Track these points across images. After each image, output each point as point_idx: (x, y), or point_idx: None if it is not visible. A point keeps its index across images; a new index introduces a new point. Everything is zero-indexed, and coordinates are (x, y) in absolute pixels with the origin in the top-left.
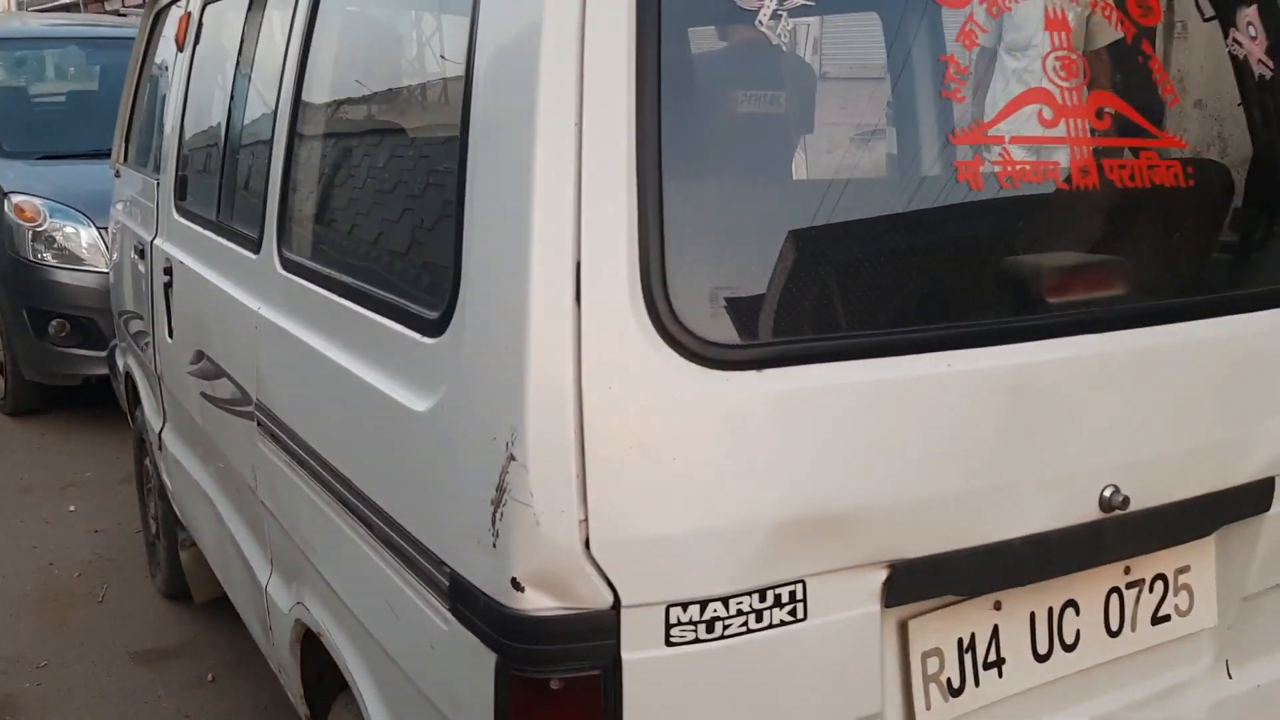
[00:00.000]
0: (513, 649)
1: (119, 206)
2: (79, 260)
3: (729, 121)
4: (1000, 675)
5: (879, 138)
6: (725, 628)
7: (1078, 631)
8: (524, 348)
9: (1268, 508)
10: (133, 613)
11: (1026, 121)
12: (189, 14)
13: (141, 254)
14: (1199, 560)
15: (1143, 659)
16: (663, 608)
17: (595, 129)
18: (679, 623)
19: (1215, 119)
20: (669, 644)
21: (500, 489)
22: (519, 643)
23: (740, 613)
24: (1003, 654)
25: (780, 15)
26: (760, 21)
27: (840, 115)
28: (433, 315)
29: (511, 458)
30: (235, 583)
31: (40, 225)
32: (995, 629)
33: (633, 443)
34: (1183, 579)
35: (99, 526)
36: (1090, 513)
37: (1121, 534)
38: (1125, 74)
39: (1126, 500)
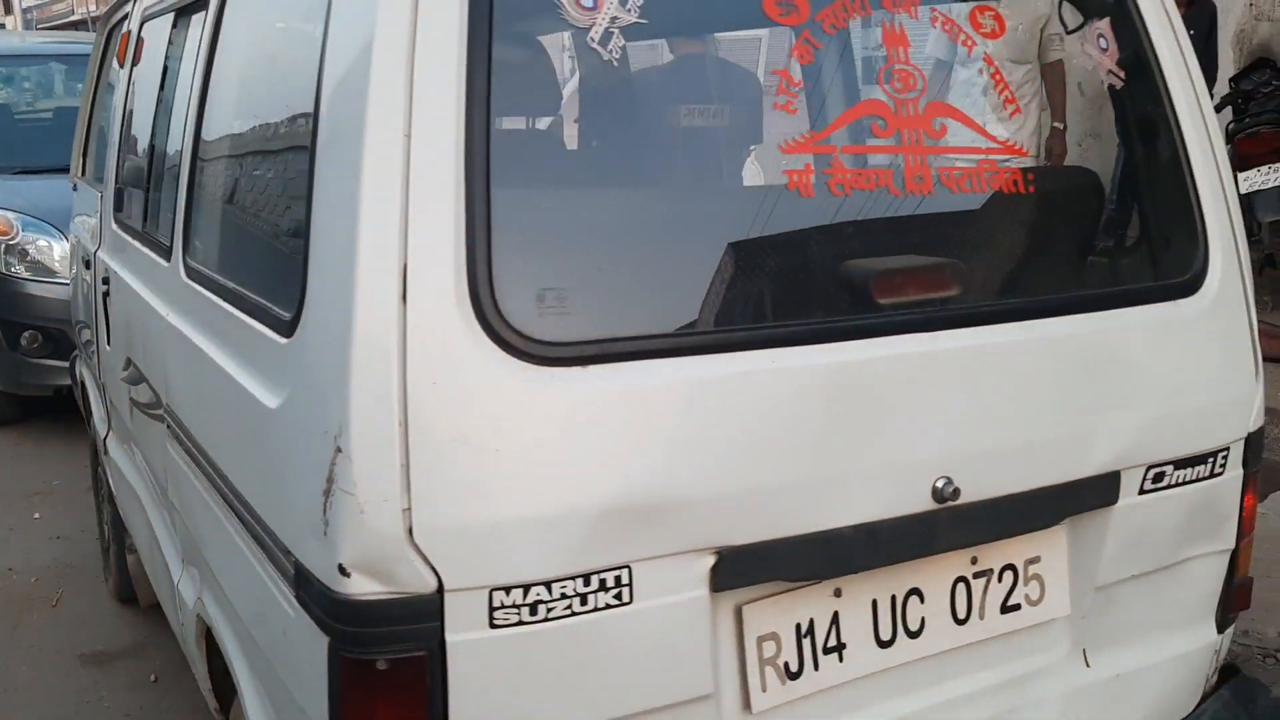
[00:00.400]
0: (342, 632)
1: (76, 220)
2: (51, 273)
3: (558, 133)
4: (841, 660)
5: (710, 146)
6: (549, 610)
7: (923, 619)
8: (349, 344)
9: (1114, 501)
10: (85, 617)
11: (860, 132)
12: (129, 31)
13: (88, 265)
14: (1050, 551)
15: (995, 646)
16: (486, 591)
17: (423, 139)
18: (502, 605)
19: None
20: (493, 626)
21: (330, 480)
22: (347, 626)
23: (564, 596)
24: (843, 639)
25: (611, 34)
26: (592, 39)
27: (671, 126)
28: (287, 316)
29: (338, 450)
30: (159, 583)
31: (13, 238)
32: (835, 615)
33: (456, 435)
34: (1033, 569)
35: (62, 533)
36: (923, 503)
37: (955, 524)
38: (968, 85)
39: (957, 491)
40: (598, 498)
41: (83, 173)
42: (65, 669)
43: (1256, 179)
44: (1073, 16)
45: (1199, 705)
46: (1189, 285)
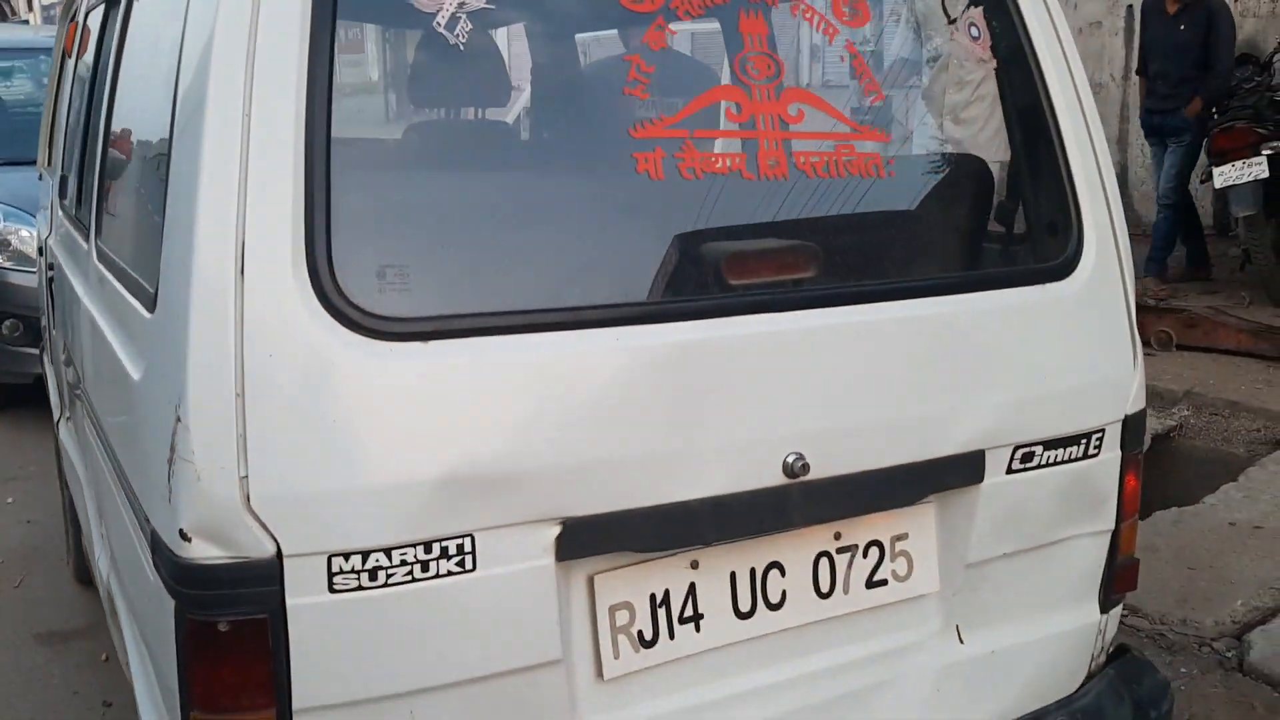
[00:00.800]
0: (185, 595)
1: (42, 210)
2: (32, 262)
3: (401, 116)
4: (698, 630)
5: (557, 130)
6: (389, 576)
7: (784, 592)
8: (188, 318)
9: (980, 480)
10: (45, 597)
11: (713, 117)
12: (77, 22)
13: (41, 251)
14: (917, 528)
15: (862, 620)
16: (324, 557)
17: (263, 122)
18: (341, 571)
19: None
20: (333, 590)
21: (172, 448)
22: (190, 589)
23: (404, 563)
24: (701, 610)
25: (459, 19)
26: (438, 23)
27: (520, 109)
28: (151, 292)
29: (178, 419)
30: (92, 562)
31: None
32: (692, 586)
33: (293, 406)
34: (900, 546)
35: (32, 518)
36: (774, 479)
37: (808, 499)
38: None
39: (807, 467)
40: (436, 468)
41: (49, 163)
42: (19, 647)
43: (1231, 174)
44: (955, 5)
45: (1084, 684)
46: (1060, 270)
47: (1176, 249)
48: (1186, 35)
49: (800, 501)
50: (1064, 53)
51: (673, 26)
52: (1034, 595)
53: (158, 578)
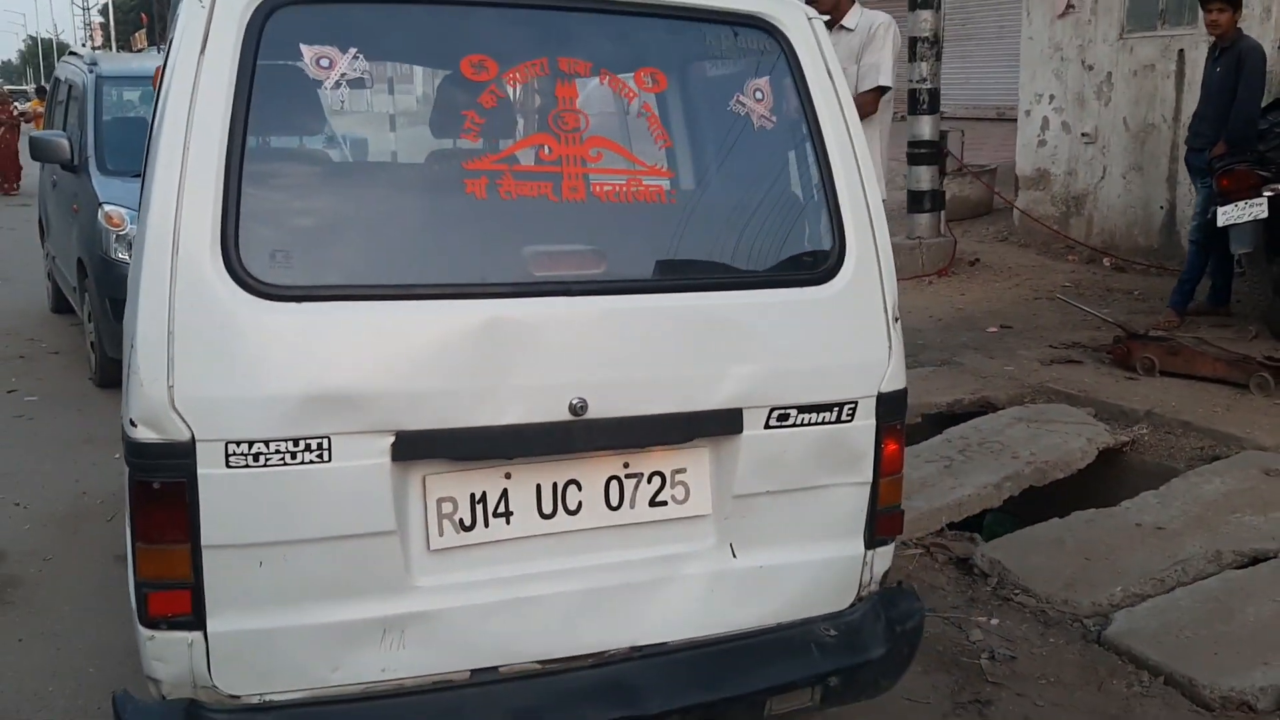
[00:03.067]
0: (133, 463)
1: None
2: None
3: (298, 144)
4: (508, 523)
5: (408, 160)
6: (267, 460)
7: (580, 502)
8: (139, 276)
9: (739, 430)
10: None
11: (530, 155)
12: (159, 67)
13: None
14: (694, 464)
15: (647, 530)
16: (223, 443)
17: (196, 149)
18: (234, 453)
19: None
20: (228, 466)
21: (128, 365)
22: (136, 459)
23: (279, 452)
24: (511, 509)
25: (340, 84)
26: (325, 88)
27: (383, 147)
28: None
29: (132, 346)
30: None
31: (123, 230)
32: (505, 491)
33: (204, 341)
34: (679, 477)
35: None
36: (561, 415)
37: (588, 432)
38: (626, 124)
39: (586, 406)
40: (302, 388)
41: None
42: (104, 565)
43: (1233, 213)
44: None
45: (853, 604)
46: (821, 277)
47: (1205, 282)
48: (1220, 77)
49: (582, 433)
50: (841, 108)
51: (502, 90)
52: (799, 526)
53: (123, 455)
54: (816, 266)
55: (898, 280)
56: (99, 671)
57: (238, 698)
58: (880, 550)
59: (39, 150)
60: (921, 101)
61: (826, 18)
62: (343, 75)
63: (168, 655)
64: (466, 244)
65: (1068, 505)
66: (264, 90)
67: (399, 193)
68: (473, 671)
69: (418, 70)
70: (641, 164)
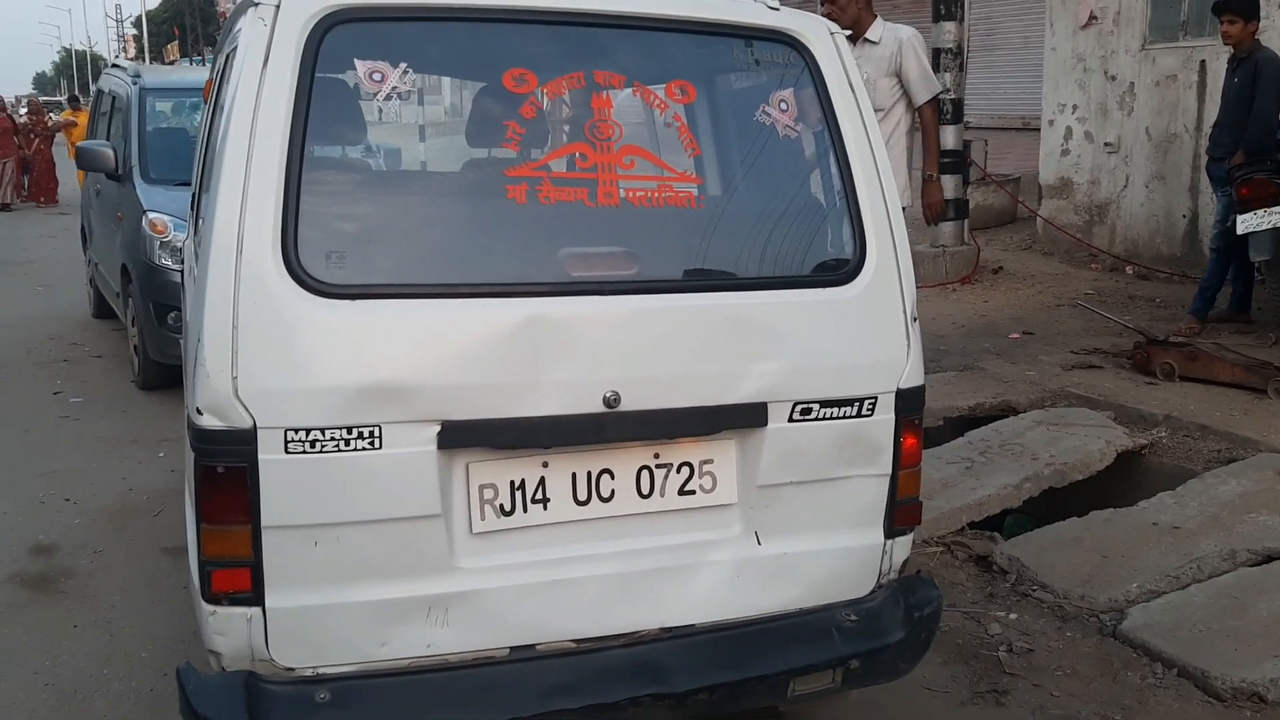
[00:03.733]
0: (199, 449)
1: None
2: None
3: (353, 154)
4: (545, 509)
5: (453, 168)
6: (323, 447)
7: (613, 490)
8: (205, 277)
9: (764, 423)
10: (176, 524)
11: (567, 163)
12: (211, 80)
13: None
14: (721, 456)
15: (676, 517)
16: (282, 430)
17: (259, 161)
18: (293, 440)
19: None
20: (287, 452)
21: (195, 358)
22: (201, 444)
23: (334, 439)
24: (548, 495)
25: (392, 98)
26: (377, 99)
27: (428, 157)
28: (194, 264)
29: (199, 340)
30: None
31: (166, 237)
32: (542, 479)
33: (265, 336)
34: (707, 468)
35: (177, 468)
36: (596, 407)
37: (621, 424)
38: (657, 133)
39: (618, 399)
40: (354, 379)
41: None
42: (152, 557)
43: (1252, 221)
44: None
45: (873, 591)
46: (842, 279)
47: (1227, 289)
48: (1238, 88)
49: (614, 424)
50: (862, 118)
51: (541, 102)
52: (821, 516)
53: (187, 441)
54: (838, 268)
55: (922, 287)
56: (151, 656)
57: (292, 670)
58: (899, 540)
59: (85, 160)
60: (945, 112)
61: (849, 32)
62: (393, 89)
63: (228, 629)
64: (507, 246)
65: (1086, 507)
66: (320, 102)
67: (444, 198)
68: (511, 649)
69: (454, 83)
70: (672, 171)
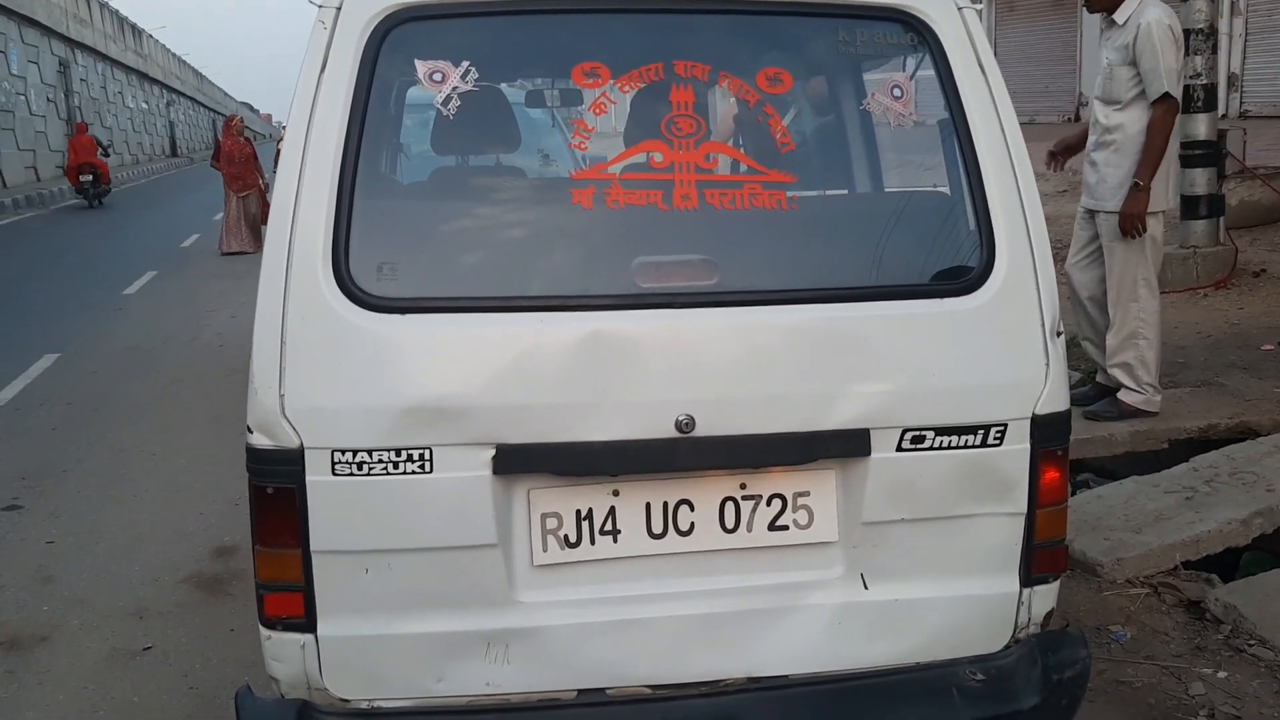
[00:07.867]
0: (250, 468)
1: None
2: None
3: (406, 161)
4: (615, 541)
5: (516, 172)
6: (371, 469)
7: (693, 523)
8: (258, 296)
9: (866, 453)
10: None
11: (639, 164)
12: None
13: None
14: (819, 488)
15: (765, 555)
16: (329, 451)
17: (310, 176)
18: (340, 461)
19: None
20: (334, 474)
21: (248, 377)
22: (254, 464)
23: (382, 461)
24: (619, 527)
25: (451, 98)
26: (437, 100)
27: (487, 161)
28: None
29: (251, 356)
30: None
31: None
32: (613, 508)
33: (314, 352)
34: (802, 500)
35: None
36: (667, 432)
37: (695, 451)
38: (747, 129)
39: (692, 424)
40: (406, 399)
41: None
42: None
43: None
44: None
45: (1007, 647)
46: (963, 288)
47: None
48: None
49: (689, 451)
50: (994, 104)
51: (614, 98)
52: (941, 559)
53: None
54: (959, 276)
55: (1167, 293)
56: None
57: (348, 701)
58: (1040, 589)
59: None
60: (1196, 99)
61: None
62: (454, 89)
63: (283, 655)
64: (571, 256)
65: None
66: (377, 107)
67: (504, 204)
68: (580, 691)
69: (522, 74)
70: (761, 169)
